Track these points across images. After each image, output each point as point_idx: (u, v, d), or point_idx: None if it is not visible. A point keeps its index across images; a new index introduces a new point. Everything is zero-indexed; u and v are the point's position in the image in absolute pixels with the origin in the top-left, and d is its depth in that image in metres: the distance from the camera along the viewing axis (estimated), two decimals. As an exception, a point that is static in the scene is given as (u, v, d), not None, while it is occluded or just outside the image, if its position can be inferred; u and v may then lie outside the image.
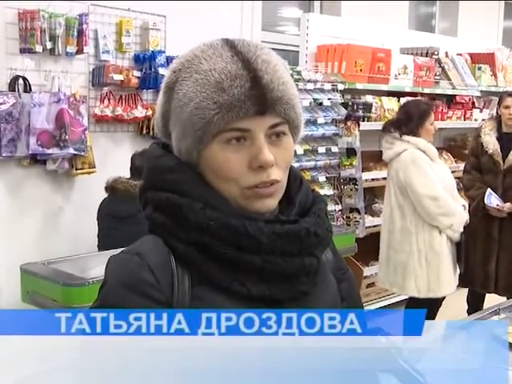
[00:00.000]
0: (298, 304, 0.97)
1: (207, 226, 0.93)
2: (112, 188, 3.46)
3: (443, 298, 3.91)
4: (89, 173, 3.75)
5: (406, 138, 3.68)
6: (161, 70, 3.89)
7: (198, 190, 0.95)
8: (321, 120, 4.42)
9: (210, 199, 0.95)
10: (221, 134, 0.93)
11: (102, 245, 3.51)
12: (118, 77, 3.81)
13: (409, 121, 3.69)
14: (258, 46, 0.97)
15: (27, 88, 3.53)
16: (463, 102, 5.77)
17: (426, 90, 5.23)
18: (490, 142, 4.13)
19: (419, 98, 4.81)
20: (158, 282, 0.92)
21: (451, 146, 6.07)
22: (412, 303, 3.85)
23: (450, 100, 5.77)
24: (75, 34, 3.62)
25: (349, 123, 4.54)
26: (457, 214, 3.68)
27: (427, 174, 3.62)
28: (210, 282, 0.94)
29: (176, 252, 0.95)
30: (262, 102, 0.92)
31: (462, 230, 3.70)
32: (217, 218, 0.93)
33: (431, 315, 3.86)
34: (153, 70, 3.93)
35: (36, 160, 3.60)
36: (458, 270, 3.81)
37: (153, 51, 3.98)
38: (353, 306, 1.12)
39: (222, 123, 0.92)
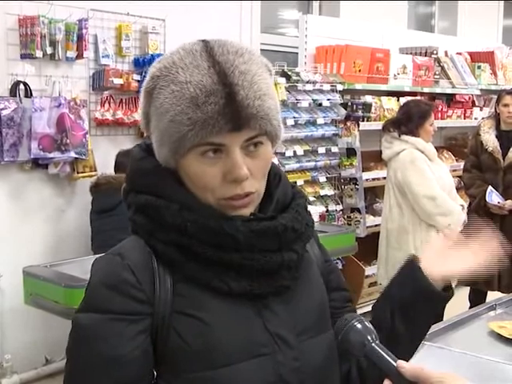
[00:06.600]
0: (281, 298, 1.00)
1: (185, 228, 0.95)
2: (95, 185, 3.54)
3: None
4: (90, 176, 3.77)
5: (404, 137, 3.69)
6: (160, 74, 3.91)
7: (174, 192, 0.97)
8: (320, 120, 4.44)
9: (187, 201, 0.96)
10: (196, 147, 0.94)
11: (95, 244, 3.54)
12: (118, 81, 3.83)
13: (408, 121, 3.70)
14: (238, 52, 0.95)
15: (28, 93, 3.56)
16: (463, 100, 5.78)
17: (426, 90, 5.24)
18: (490, 140, 4.15)
19: (419, 97, 4.82)
20: (138, 282, 0.94)
21: (452, 144, 6.08)
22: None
23: (450, 99, 5.77)
24: (75, 38, 3.65)
25: (348, 123, 4.56)
26: (455, 213, 3.68)
27: (425, 174, 3.63)
28: (192, 280, 0.96)
29: (157, 252, 0.97)
30: (236, 119, 0.91)
31: (459, 229, 3.71)
32: (194, 219, 0.95)
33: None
34: (152, 73, 3.96)
35: (38, 164, 3.63)
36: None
37: (152, 55, 4.00)
38: (342, 293, 1.16)
39: (196, 139, 0.92)
